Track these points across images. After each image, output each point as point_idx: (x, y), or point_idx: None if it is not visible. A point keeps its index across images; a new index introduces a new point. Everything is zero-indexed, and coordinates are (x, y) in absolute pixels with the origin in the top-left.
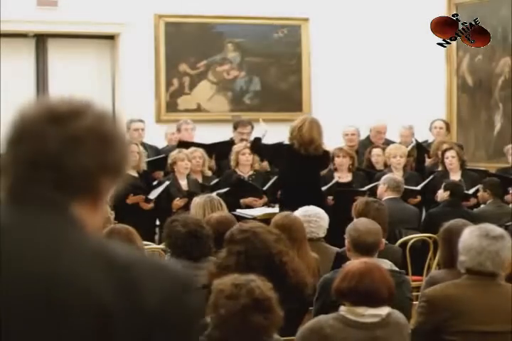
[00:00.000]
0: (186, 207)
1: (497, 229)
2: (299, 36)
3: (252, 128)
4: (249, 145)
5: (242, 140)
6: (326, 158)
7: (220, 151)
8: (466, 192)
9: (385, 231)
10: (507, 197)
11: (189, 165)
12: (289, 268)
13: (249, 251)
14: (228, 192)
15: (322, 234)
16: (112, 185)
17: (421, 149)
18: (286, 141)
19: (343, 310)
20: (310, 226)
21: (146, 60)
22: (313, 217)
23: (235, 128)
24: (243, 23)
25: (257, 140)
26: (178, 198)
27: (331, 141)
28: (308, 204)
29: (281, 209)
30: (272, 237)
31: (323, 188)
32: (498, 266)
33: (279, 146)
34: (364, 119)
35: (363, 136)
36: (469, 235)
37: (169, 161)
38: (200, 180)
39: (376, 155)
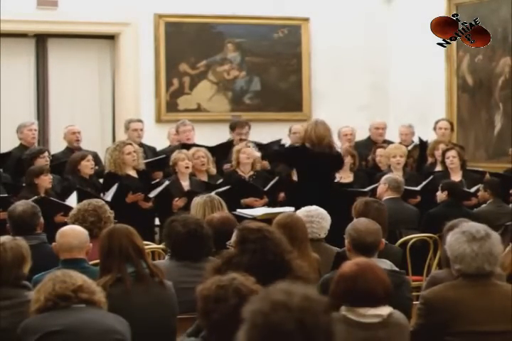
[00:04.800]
0: (187, 207)
1: (480, 228)
2: (299, 36)
3: (249, 128)
4: (258, 153)
5: (240, 140)
6: (340, 158)
7: (220, 153)
8: (466, 190)
9: (385, 231)
10: (511, 199)
11: (190, 164)
12: (295, 265)
13: (264, 249)
14: (229, 192)
15: (323, 234)
16: None
17: (423, 148)
18: (284, 141)
19: (344, 310)
20: (312, 226)
21: (146, 60)
22: (316, 218)
23: (232, 129)
24: (243, 23)
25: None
26: (177, 198)
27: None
28: (321, 202)
29: (297, 207)
30: (282, 237)
31: None
32: (495, 264)
33: (292, 149)
34: (363, 120)
35: (363, 137)
36: (456, 242)
37: (170, 163)
38: (205, 179)
39: (379, 155)
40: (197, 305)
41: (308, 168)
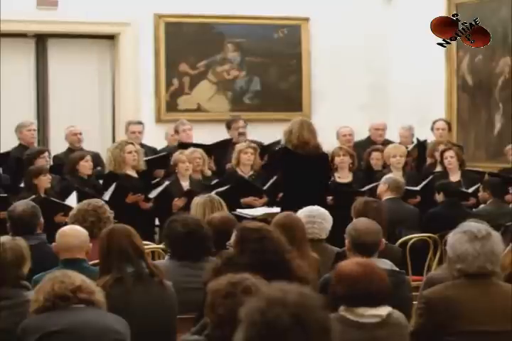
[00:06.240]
0: (187, 208)
1: (481, 228)
2: (299, 36)
3: (246, 123)
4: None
5: (239, 134)
6: (325, 158)
7: (219, 151)
8: (463, 190)
9: (385, 231)
10: (507, 197)
11: (190, 166)
12: (294, 265)
13: (264, 249)
14: (229, 191)
15: (324, 235)
16: None
17: (422, 148)
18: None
19: (342, 310)
20: (313, 227)
21: (146, 60)
22: (318, 218)
23: (229, 127)
24: (243, 23)
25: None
26: (176, 198)
27: (330, 141)
28: (309, 203)
29: (283, 210)
30: (281, 236)
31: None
32: (496, 263)
33: (276, 153)
34: (363, 120)
35: (362, 137)
36: (458, 242)
37: (171, 162)
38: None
39: (375, 158)
40: (206, 299)
41: (292, 170)
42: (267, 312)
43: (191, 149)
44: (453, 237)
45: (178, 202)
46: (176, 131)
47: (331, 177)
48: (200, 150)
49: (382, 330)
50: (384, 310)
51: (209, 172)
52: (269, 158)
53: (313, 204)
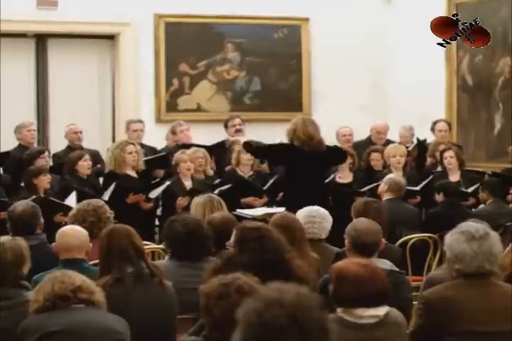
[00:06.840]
0: (189, 207)
1: (479, 228)
2: (299, 36)
3: (243, 121)
4: (242, 144)
5: (236, 131)
6: (329, 151)
7: (219, 151)
8: (463, 190)
9: (385, 231)
10: (508, 197)
11: (192, 166)
12: (294, 265)
13: (263, 249)
14: (229, 191)
15: (324, 235)
16: None
17: (422, 148)
18: (284, 141)
19: (340, 311)
20: (313, 227)
21: (146, 60)
22: (318, 218)
23: (226, 126)
24: (243, 23)
25: (249, 141)
26: (180, 197)
27: (330, 141)
28: (313, 202)
29: (287, 208)
30: (280, 236)
31: None
32: (495, 263)
33: (280, 146)
34: (363, 120)
35: (362, 137)
36: (456, 242)
37: (173, 162)
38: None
39: (375, 159)
40: (199, 302)
41: (298, 166)
42: (264, 313)
43: (193, 149)
44: (451, 237)
45: (182, 202)
46: (173, 132)
47: (345, 156)
48: (202, 149)
49: (380, 330)
50: (382, 310)
51: (211, 172)
52: (269, 147)
53: (316, 204)
